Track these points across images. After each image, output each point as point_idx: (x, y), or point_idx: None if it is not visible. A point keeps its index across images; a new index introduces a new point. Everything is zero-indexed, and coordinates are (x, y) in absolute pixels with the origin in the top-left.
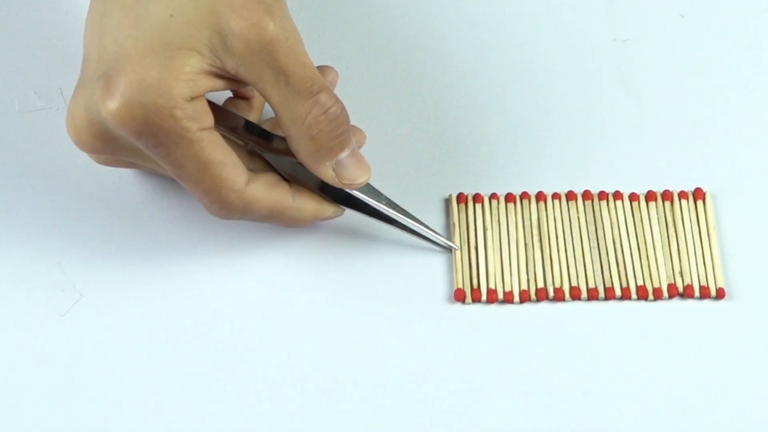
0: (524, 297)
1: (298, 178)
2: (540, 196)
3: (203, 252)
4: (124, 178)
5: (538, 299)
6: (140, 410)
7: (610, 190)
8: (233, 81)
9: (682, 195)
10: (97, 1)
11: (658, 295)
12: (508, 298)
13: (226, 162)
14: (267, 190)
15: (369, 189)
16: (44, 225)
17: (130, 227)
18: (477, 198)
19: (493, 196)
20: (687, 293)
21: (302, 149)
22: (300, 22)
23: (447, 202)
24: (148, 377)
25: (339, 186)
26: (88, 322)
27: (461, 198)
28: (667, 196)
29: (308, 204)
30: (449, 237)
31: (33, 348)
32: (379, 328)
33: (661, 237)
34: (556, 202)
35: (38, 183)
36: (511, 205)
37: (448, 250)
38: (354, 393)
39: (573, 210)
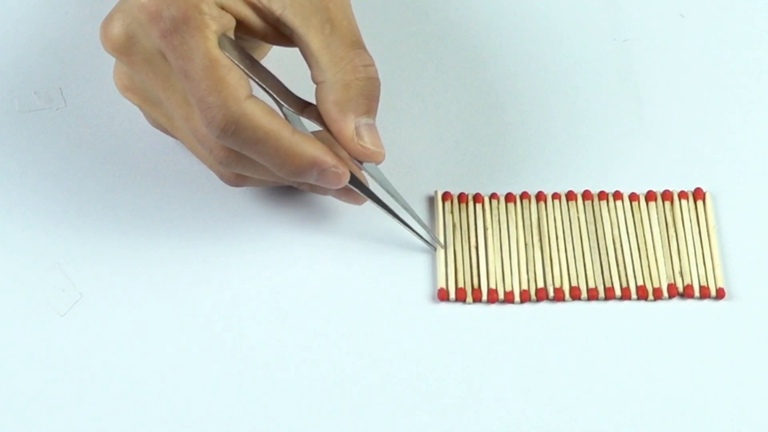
0: (524, 297)
1: None
2: (540, 196)
3: (203, 252)
4: (124, 179)
5: (538, 299)
6: (140, 410)
7: (610, 190)
8: (267, 26)
9: (682, 195)
10: None
11: (658, 295)
12: (508, 298)
13: (233, 69)
14: (265, 113)
15: (378, 173)
16: (44, 225)
17: (130, 227)
18: (477, 198)
19: (493, 196)
20: (687, 293)
21: (333, 95)
22: None
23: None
24: (148, 377)
25: (354, 148)
26: (88, 322)
27: (462, 198)
28: (667, 196)
29: (307, 144)
30: (437, 235)
31: (33, 348)
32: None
33: (661, 237)
34: (556, 202)
35: (38, 183)
36: (511, 205)
37: (433, 249)
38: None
39: (573, 210)
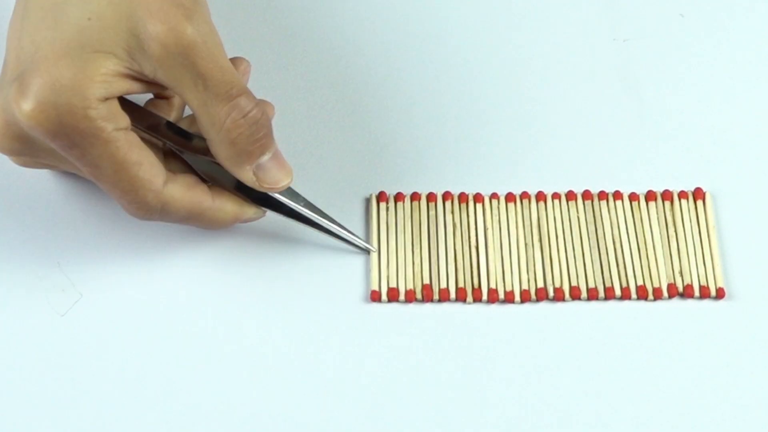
0: (525, 297)
1: (216, 178)
2: (540, 196)
3: (202, 252)
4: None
5: (538, 299)
6: (140, 410)
7: (610, 190)
8: (151, 84)
9: (682, 195)
10: (19, 4)
11: (658, 295)
12: (508, 298)
13: (143, 162)
14: (185, 191)
15: (288, 190)
16: (44, 225)
17: (130, 227)
18: (477, 198)
19: (493, 195)
20: (687, 293)
21: (222, 153)
22: (217, 19)
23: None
24: (148, 377)
25: (260, 189)
26: (88, 322)
27: (462, 198)
28: (667, 196)
29: (228, 205)
30: (371, 236)
31: (33, 348)
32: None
33: (661, 237)
34: (556, 202)
35: (38, 183)
36: (511, 205)
37: (367, 253)
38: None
39: (573, 210)
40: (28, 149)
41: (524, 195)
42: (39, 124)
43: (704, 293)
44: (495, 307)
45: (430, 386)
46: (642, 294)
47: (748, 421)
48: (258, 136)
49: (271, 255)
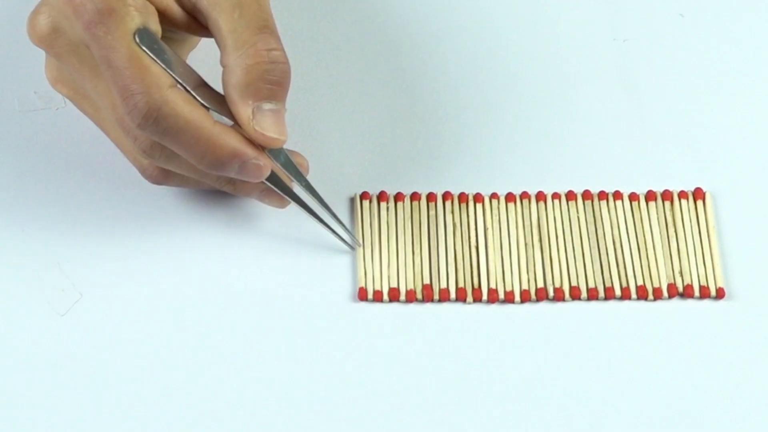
0: (525, 297)
1: None
2: (540, 196)
3: (203, 252)
4: (124, 179)
5: (538, 299)
6: (140, 410)
7: (610, 190)
8: (185, 13)
9: (682, 195)
10: None
11: (658, 295)
12: (508, 298)
13: (157, 62)
14: (188, 103)
15: (293, 169)
16: (44, 225)
17: (130, 227)
18: (477, 198)
19: (493, 195)
20: (687, 293)
21: (233, 78)
22: None
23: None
24: (148, 377)
25: (250, 133)
26: (88, 322)
27: (462, 198)
28: (667, 196)
29: (228, 135)
30: (356, 236)
31: (33, 348)
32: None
33: (661, 237)
34: (556, 202)
35: (38, 183)
36: (511, 205)
37: (352, 249)
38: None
39: (573, 210)
40: (59, 42)
41: (524, 195)
42: None
43: (704, 293)
44: (495, 307)
45: (429, 386)
46: (642, 294)
47: (748, 421)
48: (273, 76)
49: (264, 254)
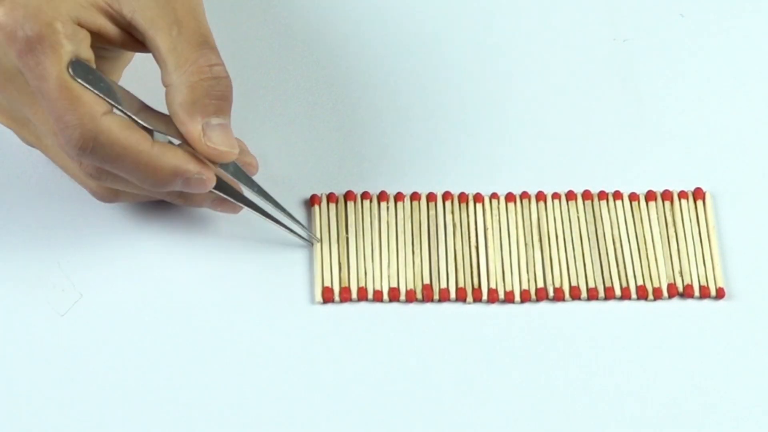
0: (525, 297)
1: None
2: (540, 196)
3: (202, 252)
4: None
5: (538, 299)
6: (140, 410)
7: (610, 190)
8: (122, 30)
9: (682, 195)
10: None
11: (658, 295)
12: (508, 298)
13: (89, 90)
14: (124, 128)
15: (243, 175)
16: (44, 225)
17: (130, 227)
18: (477, 198)
19: (493, 195)
20: (687, 293)
21: (178, 98)
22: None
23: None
24: (148, 377)
25: (203, 150)
26: (88, 322)
27: (462, 198)
28: (667, 196)
29: (168, 154)
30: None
31: (33, 348)
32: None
33: (661, 237)
34: (556, 202)
35: (38, 183)
36: (511, 205)
37: (310, 244)
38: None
39: (573, 210)
40: None
41: (524, 195)
42: (7, 20)
43: (704, 293)
44: (495, 307)
45: (429, 386)
46: (642, 294)
47: (748, 420)
48: (217, 91)
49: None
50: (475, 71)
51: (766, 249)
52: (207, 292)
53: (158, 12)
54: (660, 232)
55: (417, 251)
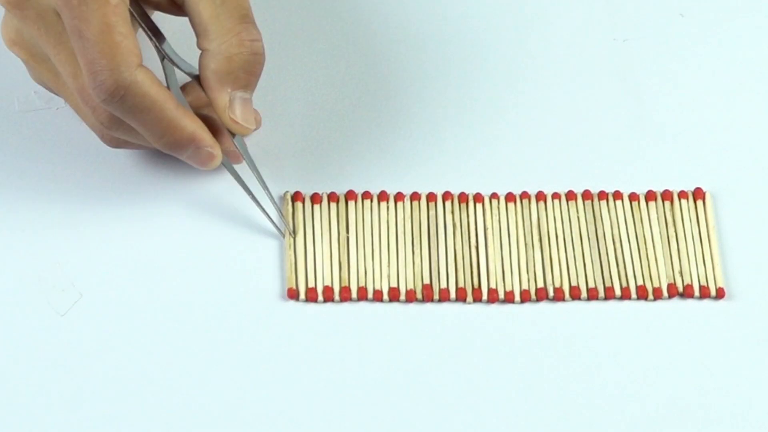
0: (525, 297)
1: None
2: (540, 196)
3: (203, 251)
4: (124, 179)
5: (538, 299)
6: (140, 410)
7: (610, 190)
8: None
9: (682, 195)
10: None
11: (657, 294)
12: (508, 298)
13: (128, 37)
14: (154, 83)
15: (244, 149)
16: (44, 225)
17: (130, 227)
18: (477, 198)
19: (493, 195)
20: (687, 293)
21: (214, 64)
22: None
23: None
24: (148, 377)
25: (225, 119)
26: (88, 322)
27: (462, 198)
28: (667, 195)
29: (189, 119)
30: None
31: (33, 348)
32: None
33: (661, 237)
34: (556, 202)
35: (38, 183)
36: (511, 205)
37: (282, 236)
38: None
39: (573, 210)
40: (28, 6)
41: (524, 195)
42: None
43: (704, 293)
44: (495, 307)
45: (429, 386)
46: (642, 294)
47: (749, 420)
48: (253, 66)
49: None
50: (475, 71)
51: (766, 249)
52: (205, 291)
53: None
54: (660, 232)
55: (417, 251)
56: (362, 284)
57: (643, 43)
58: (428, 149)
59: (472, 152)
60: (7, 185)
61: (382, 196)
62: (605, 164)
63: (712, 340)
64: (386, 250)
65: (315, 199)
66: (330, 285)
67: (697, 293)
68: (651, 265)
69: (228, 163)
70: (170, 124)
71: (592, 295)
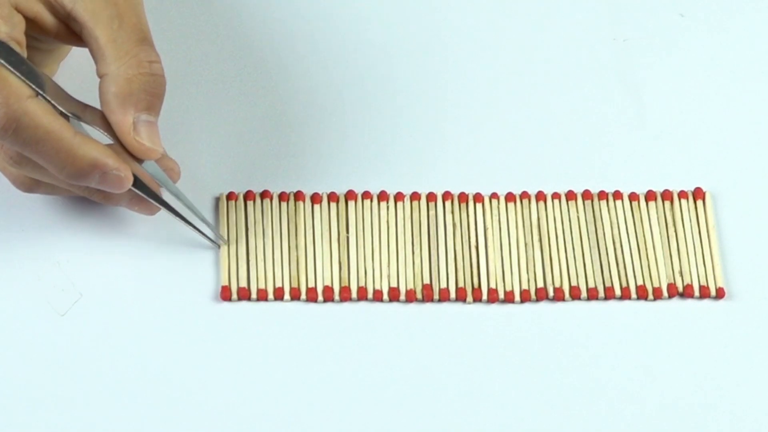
0: (525, 297)
1: None
2: (540, 196)
3: (202, 251)
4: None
5: (538, 299)
6: (140, 410)
7: (610, 190)
8: (58, 21)
9: (682, 195)
10: None
11: (657, 294)
12: (508, 298)
13: (15, 73)
14: (48, 113)
15: (161, 176)
16: (44, 225)
17: (130, 227)
18: (477, 198)
19: (493, 195)
20: (687, 293)
21: (114, 87)
22: None
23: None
24: (148, 377)
25: (130, 143)
26: (88, 322)
27: (462, 198)
28: (667, 195)
29: (89, 146)
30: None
31: (33, 348)
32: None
33: (661, 237)
34: (556, 202)
35: None
36: (511, 205)
37: (218, 246)
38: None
39: (573, 210)
40: None
41: (524, 195)
42: None
43: (704, 293)
44: (495, 307)
45: (429, 386)
46: (642, 294)
47: (748, 420)
48: (153, 88)
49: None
50: (475, 71)
51: (766, 249)
52: (203, 292)
53: (100, 4)
54: (660, 232)
55: (417, 251)
56: (362, 284)
57: (643, 43)
58: (428, 149)
59: (472, 152)
60: (7, 185)
61: (382, 196)
62: (605, 164)
63: (712, 340)
64: (386, 250)
65: (315, 198)
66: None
67: (697, 293)
68: (651, 265)
69: (147, 191)
70: (69, 153)
71: (592, 295)
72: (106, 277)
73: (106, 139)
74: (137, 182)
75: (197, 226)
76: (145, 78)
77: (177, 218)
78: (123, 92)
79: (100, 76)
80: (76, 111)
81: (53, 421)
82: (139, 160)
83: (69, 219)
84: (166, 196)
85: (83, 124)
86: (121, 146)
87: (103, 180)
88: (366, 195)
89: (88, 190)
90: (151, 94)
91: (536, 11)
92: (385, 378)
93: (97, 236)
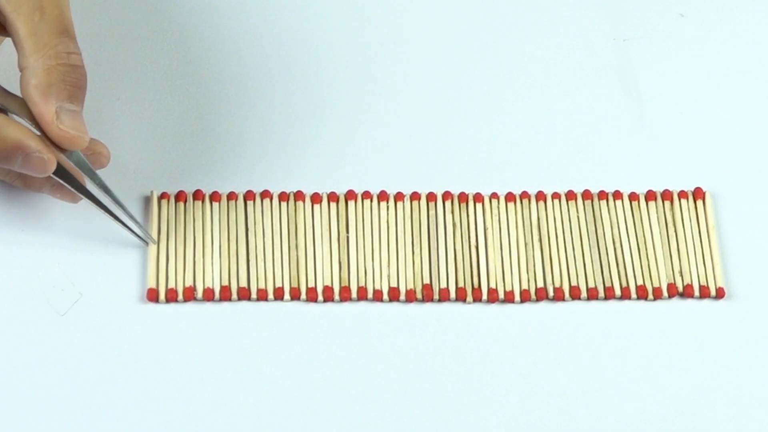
0: (525, 297)
1: None
2: (540, 196)
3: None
4: (123, 179)
5: (538, 299)
6: (140, 410)
7: (610, 189)
8: None
9: (682, 195)
10: None
11: (657, 294)
12: (509, 298)
13: None
14: None
15: (86, 167)
16: (44, 225)
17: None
18: (477, 198)
19: (493, 195)
20: (687, 293)
21: (35, 79)
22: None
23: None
24: (148, 377)
25: (54, 132)
26: (88, 322)
27: (462, 197)
28: (666, 195)
29: (11, 127)
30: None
31: (33, 348)
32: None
33: (661, 237)
34: (556, 201)
35: None
36: (511, 205)
37: (146, 244)
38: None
39: (573, 210)
40: None
41: (524, 195)
42: None
43: (704, 293)
44: (495, 307)
45: (429, 386)
46: (642, 294)
47: (748, 421)
48: (73, 78)
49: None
50: (475, 71)
51: (766, 249)
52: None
53: None
54: (660, 232)
55: (417, 251)
56: (362, 284)
57: (643, 43)
58: (428, 149)
59: (472, 152)
60: (7, 185)
61: (382, 196)
62: (605, 164)
63: (712, 340)
64: (386, 250)
65: (315, 198)
66: (330, 285)
67: (697, 293)
68: (651, 265)
69: (79, 186)
70: None
71: (592, 295)
72: (106, 277)
73: (35, 131)
74: (60, 171)
75: (125, 222)
76: (63, 69)
77: (102, 210)
78: (43, 83)
79: (21, 69)
80: (4, 100)
81: (53, 421)
82: (66, 151)
83: (69, 219)
84: (93, 189)
85: (11, 116)
86: (47, 138)
87: (26, 162)
88: (366, 195)
89: (10, 176)
90: (71, 84)
91: (536, 11)
92: (385, 378)
93: (98, 237)
